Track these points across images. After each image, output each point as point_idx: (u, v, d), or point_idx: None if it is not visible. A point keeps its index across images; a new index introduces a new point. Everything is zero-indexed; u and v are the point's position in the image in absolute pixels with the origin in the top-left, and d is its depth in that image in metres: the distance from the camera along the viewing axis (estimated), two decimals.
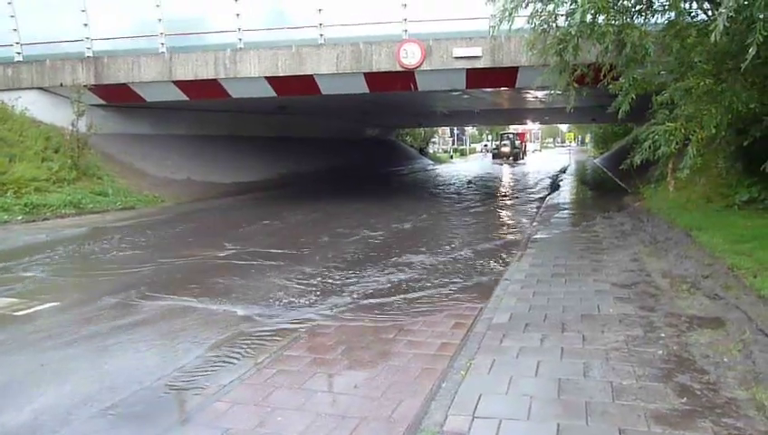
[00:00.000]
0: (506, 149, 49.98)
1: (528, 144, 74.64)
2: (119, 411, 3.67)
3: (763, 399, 3.25)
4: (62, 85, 15.70)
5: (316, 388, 4.00)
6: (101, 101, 16.54)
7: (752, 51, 5.81)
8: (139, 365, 4.44)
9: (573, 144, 67.45)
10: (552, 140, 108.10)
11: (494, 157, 52.11)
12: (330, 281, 7.12)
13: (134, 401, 3.83)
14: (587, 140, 65.26)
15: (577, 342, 4.32)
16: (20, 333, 5.27)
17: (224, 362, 4.51)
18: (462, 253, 8.91)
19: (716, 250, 6.87)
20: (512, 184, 25.17)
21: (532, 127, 75.69)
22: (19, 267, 8.02)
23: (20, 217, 12.24)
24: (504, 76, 14.11)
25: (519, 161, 49.53)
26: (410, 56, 13.56)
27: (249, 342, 4.97)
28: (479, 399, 3.42)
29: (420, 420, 3.26)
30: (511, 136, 53.04)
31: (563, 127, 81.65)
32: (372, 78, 14.43)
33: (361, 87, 14.91)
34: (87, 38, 15.63)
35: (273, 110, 21.42)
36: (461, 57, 13.49)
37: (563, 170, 31.67)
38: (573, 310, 5.14)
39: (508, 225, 12.34)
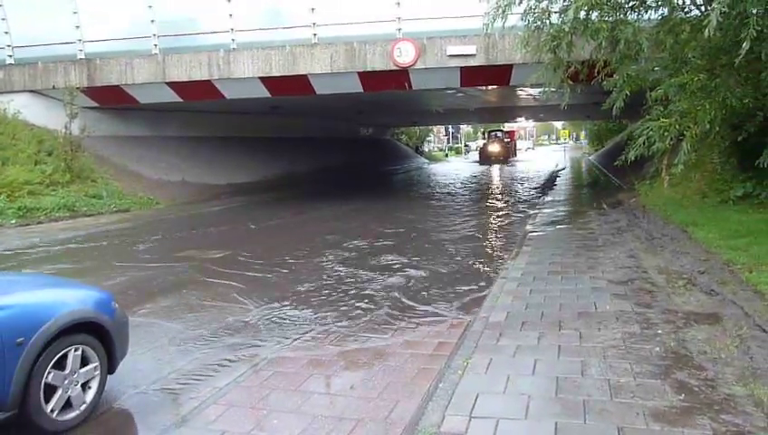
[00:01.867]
0: (495, 149, 42.79)
1: (519, 142, 72.60)
2: None
3: (762, 395, 3.24)
4: (54, 88, 15.62)
5: (312, 389, 3.98)
6: (94, 104, 16.46)
7: (745, 46, 5.82)
8: None
9: (568, 141, 67.56)
10: (546, 136, 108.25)
11: (480, 158, 43.99)
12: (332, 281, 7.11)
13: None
14: (582, 136, 65.29)
15: (574, 339, 4.31)
16: None
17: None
18: (458, 253, 8.90)
19: (712, 246, 6.89)
20: (506, 182, 25.17)
21: (526, 124, 75.65)
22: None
23: (14, 221, 12.18)
24: (498, 74, 14.10)
25: (511, 160, 44.71)
26: (404, 55, 13.54)
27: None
28: (476, 398, 3.40)
29: (417, 421, 3.24)
30: (499, 134, 47.23)
31: (558, 124, 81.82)
32: (366, 77, 14.39)
33: (356, 86, 14.88)
34: (79, 40, 15.56)
35: (268, 110, 21.38)
36: (455, 55, 13.48)
37: (555, 175, 27.35)
38: (570, 308, 5.13)
39: (503, 223, 12.32)
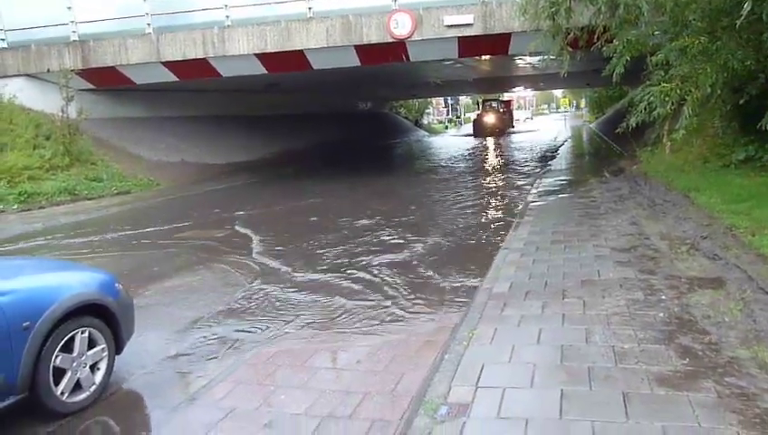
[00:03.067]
0: (491, 120, 39.44)
1: (518, 112, 69.95)
2: None
3: (765, 357, 3.26)
4: (48, 71, 15.46)
5: (318, 365, 4.02)
6: (90, 86, 16.31)
7: (747, 6, 5.72)
8: None
9: (568, 110, 66.93)
10: (546, 105, 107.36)
11: (474, 131, 39.89)
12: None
13: None
14: (582, 105, 64.70)
15: (578, 308, 4.32)
16: None
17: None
18: (461, 224, 8.91)
19: (714, 210, 6.86)
20: (505, 153, 25.05)
21: (525, 94, 74.84)
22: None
23: (15, 207, 12.18)
24: (496, 43, 13.90)
25: (508, 131, 41.84)
26: (401, 27, 13.35)
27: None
28: (482, 369, 3.43)
29: (424, 393, 3.27)
30: (494, 104, 43.50)
31: (558, 93, 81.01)
32: (363, 50, 14.22)
33: (353, 60, 14.71)
34: (72, 21, 15.35)
35: (265, 88, 21.19)
36: (452, 26, 13.27)
37: (553, 153, 22.27)
38: (573, 276, 5.14)
39: (505, 193, 12.29)
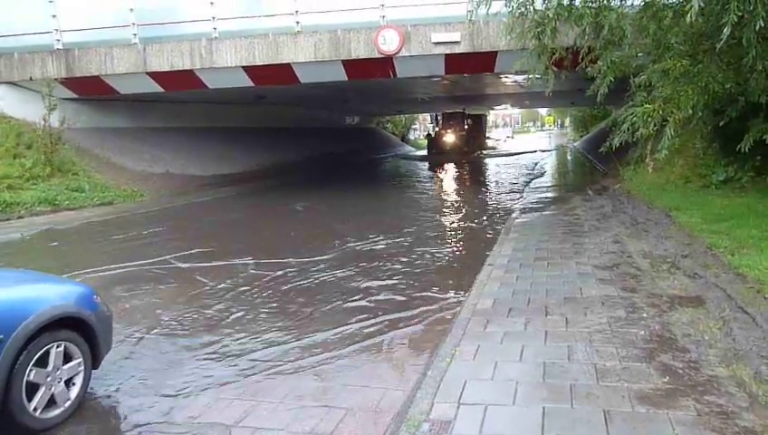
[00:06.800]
0: (450, 140, 32.21)
1: (497, 131, 62.52)
2: None
3: (744, 375, 3.29)
4: (31, 79, 15.28)
5: (300, 378, 3.98)
6: (74, 95, 16.17)
7: (726, 31, 5.84)
8: None
9: (553, 128, 67.60)
10: (532, 123, 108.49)
11: (429, 148, 33.55)
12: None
13: None
14: (566, 123, 65.48)
15: (560, 325, 4.33)
16: None
17: None
18: (446, 239, 8.91)
19: (695, 230, 6.96)
20: (491, 167, 25.21)
21: (511, 112, 75.48)
22: None
23: None
24: (483, 61, 14.05)
25: (476, 153, 33.74)
26: (389, 43, 13.44)
27: None
28: (465, 385, 3.41)
29: (407, 409, 3.24)
30: (458, 116, 34.05)
31: (543, 111, 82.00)
32: (351, 65, 14.28)
33: (340, 75, 14.76)
34: (56, 30, 15.23)
35: (253, 100, 21.16)
36: (440, 43, 13.40)
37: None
38: (556, 293, 5.16)
39: (490, 210, 12.34)
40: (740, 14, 5.88)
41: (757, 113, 7.85)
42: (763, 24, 5.91)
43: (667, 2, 7.92)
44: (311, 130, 29.14)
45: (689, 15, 5.86)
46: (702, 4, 5.97)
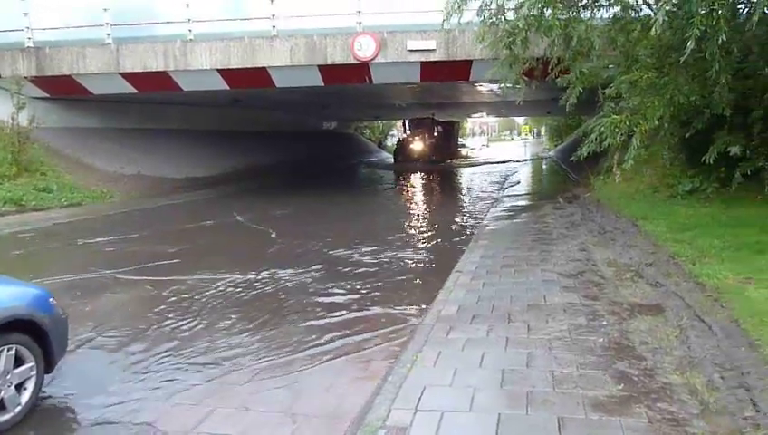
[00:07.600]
0: (418, 147, 31.31)
1: (470, 140, 61.31)
2: None
3: (697, 383, 3.34)
4: (0, 77, 14.97)
5: (259, 384, 3.94)
6: (45, 94, 15.86)
7: (690, 44, 5.98)
8: None
9: (529, 137, 68.35)
10: (509, 132, 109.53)
11: (395, 156, 32.34)
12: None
13: None
14: (542, 132, 66.21)
15: (522, 332, 4.36)
16: None
17: None
18: (415, 245, 8.93)
19: (660, 239, 7.08)
20: (467, 172, 25.35)
21: (487, 120, 76.05)
22: None
23: None
24: (458, 69, 14.17)
25: (446, 163, 32.37)
26: (365, 49, 13.48)
27: None
28: (423, 392, 3.41)
29: (364, 416, 3.23)
30: (427, 122, 32.90)
31: (520, 120, 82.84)
32: (327, 70, 14.28)
33: (316, 80, 14.75)
34: (27, 27, 14.95)
35: (229, 103, 21.01)
36: (415, 50, 13.48)
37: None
38: (520, 300, 5.19)
39: (461, 217, 12.41)
40: (703, 28, 6.03)
41: (722, 126, 8.02)
42: (725, 39, 6.08)
43: (636, 15, 8.11)
44: (287, 134, 29.01)
45: (654, 28, 6.00)
46: (667, 18, 6.12)
